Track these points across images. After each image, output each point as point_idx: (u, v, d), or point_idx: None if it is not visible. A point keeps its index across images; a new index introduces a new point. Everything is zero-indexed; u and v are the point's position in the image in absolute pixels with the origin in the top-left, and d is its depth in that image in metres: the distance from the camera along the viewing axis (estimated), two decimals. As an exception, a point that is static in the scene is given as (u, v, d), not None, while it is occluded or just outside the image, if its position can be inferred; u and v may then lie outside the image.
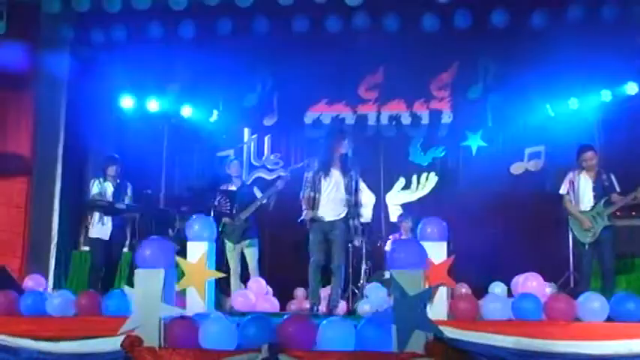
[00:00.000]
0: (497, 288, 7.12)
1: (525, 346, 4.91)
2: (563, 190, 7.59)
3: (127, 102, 9.81)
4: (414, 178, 10.47)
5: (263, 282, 7.71)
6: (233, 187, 8.43)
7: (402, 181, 10.49)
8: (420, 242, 5.28)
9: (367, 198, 10.37)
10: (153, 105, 10.00)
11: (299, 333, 3.86)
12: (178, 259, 5.45)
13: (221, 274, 5.46)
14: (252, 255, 8.32)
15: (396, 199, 10.47)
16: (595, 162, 7.47)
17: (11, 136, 8.62)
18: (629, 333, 4.90)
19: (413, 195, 10.46)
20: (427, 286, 3.88)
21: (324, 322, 3.98)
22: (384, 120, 10.53)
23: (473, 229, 10.00)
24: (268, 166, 10.66)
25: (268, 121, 10.68)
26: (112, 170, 8.04)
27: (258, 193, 8.50)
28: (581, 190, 7.43)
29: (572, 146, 9.32)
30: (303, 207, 7.17)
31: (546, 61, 9.55)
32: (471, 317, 5.23)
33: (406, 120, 10.49)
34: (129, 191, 8.19)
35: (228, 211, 7.89)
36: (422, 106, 10.47)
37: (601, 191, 7.36)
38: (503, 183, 10.11)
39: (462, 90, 10.33)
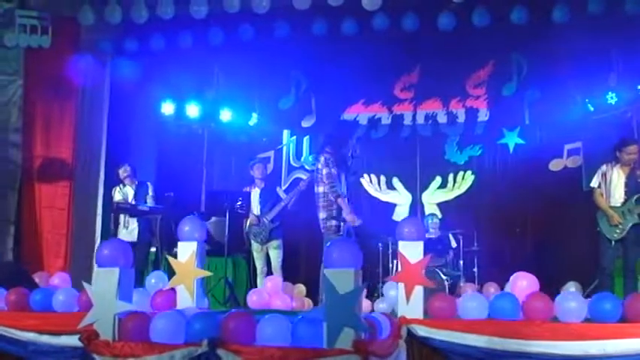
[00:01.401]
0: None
1: (498, 345, 4.94)
2: (594, 183, 7.44)
3: (167, 108, 10.20)
4: (451, 176, 10.47)
5: (279, 280, 7.90)
6: (256, 189, 8.65)
7: (438, 180, 10.50)
8: (400, 242, 5.40)
9: (403, 197, 10.50)
10: (192, 110, 10.36)
11: (238, 328, 4.05)
12: (169, 258, 5.75)
13: (208, 273, 5.68)
14: (276, 256, 8.52)
15: (433, 198, 10.48)
16: (636, 157, 7.29)
17: (54, 143, 9.12)
18: (603, 333, 4.82)
19: (449, 194, 10.46)
20: (359, 286, 3.95)
21: (264, 318, 4.15)
22: (420, 119, 10.57)
23: (510, 227, 9.97)
24: (307, 167, 10.84)
25: (306, 123, 10.90)
26: (123, 172, 8.49)
27: (282, 194, 8.68)
28: (614, 185, 7.26)
29: (611, 141, 9.15)
30: (348, 209, 6.65)
31: (582, 55, 9.37)
32: (448, 316, 5.24)
33: (442, 119, 10.51)
34: (150, 191, 8.59)
35: (243, 212, 8.13)
36: (458, 104, 10.47)
37: (634, 187, 7.16)
38: (542, 180, 9.93)
39: (497, 87, 10.24)
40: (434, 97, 10.53)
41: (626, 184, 7.20)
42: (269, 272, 8.63)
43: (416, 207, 10.50)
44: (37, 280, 7.38)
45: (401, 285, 5.30)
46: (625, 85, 9.35)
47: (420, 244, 5.32)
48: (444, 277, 8.78)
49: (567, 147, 9.99)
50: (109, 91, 9.68)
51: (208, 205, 9.55)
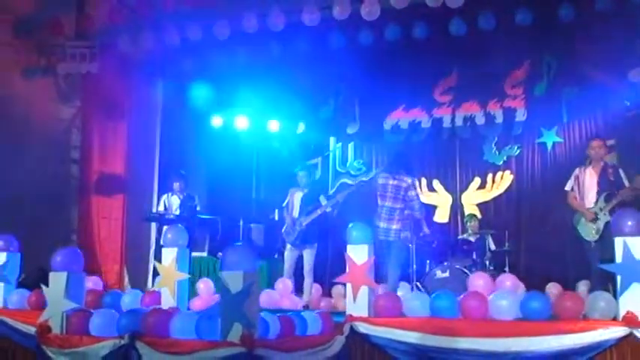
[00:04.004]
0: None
1: (430, 341, 5.22)
2: (568, 187, 7.43)
3: (216, 121, 10.93)
4: (490, 177, 10.52)
5: (289, 282, 8.37)
6: (299, 193, 9.06)
7: (477, 181, 10.59)
8: (348, 245, 5.77)
9: (443, 199, 10.67)
10: (241, 122, 11.03)
11: (155, 324, 4.61)
12: (155, 263, 6.40)
13: (187, 276, 6.25)
14: (307, 260, 8.84)
15: (472, 199, 10.58)
16: (602, 152, 7.27)
17: (110, 160, 10.04)
18: (528, 330, 4.98)
19: (489, 194, 10.53)
20: (247, 286, 4.37)
21: (176, 314, 4.68)
22: (459, 122, 10.70)
23: (550, 226, 9.90)
24: (352, 172, 11.26)
25: (351, 129, 11.29)
26: (176, 186, 9.22)
27: (324, 201, 9.03)
28: (587, 186, 7.26)
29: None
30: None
31: (612, 51, 9.18)
32: (393, 314, 5.55)
33: (480, 120, 10.59)
34: (196, 202, 9.30)
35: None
36: (496, 105, 10.53)
37: (606, 186, 7.14)
38: (581, 178, 9.78)
39: (532, 87, 10.22)
40: (472, 99, 10.63)
41: (598, 184, 7.16)
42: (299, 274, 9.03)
43: (456, 208, 10.64)
44: (90, 283, 8.30)
45: (348, 285, 5.68)
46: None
47: (366, 247, 5.66)
48: (471, 277, 8.89)
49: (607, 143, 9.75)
50: (161, 108, 10.56)
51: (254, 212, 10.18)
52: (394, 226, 7.53)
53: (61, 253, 5.21)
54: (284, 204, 9.12)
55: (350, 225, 5.79)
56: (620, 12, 8.11)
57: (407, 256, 8.03)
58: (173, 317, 4.62)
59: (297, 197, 9.01)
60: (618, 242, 5.02)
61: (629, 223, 4.99)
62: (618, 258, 5.02)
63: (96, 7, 9.46)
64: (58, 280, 5.08)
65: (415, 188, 7.67)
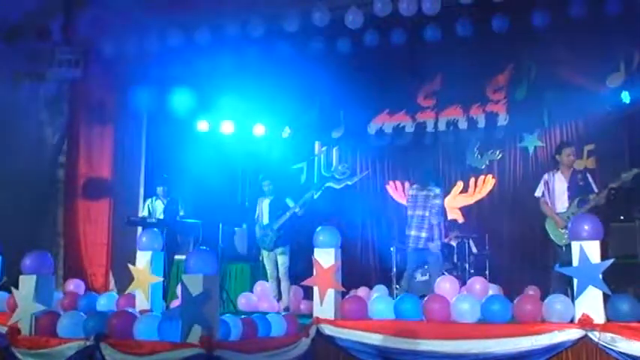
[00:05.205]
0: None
1: (391, 343, 5.34)
2: (538, 193, 7.47)
3: (202, 126, 11.05)
4: (472, 181, 10.62)
5: (268, 285, 8.48)
6: (267, 200, 9.21)
7: (460, 185, 10.69)
8: (315, 248, 5.88)
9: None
10: (227, 127, 11.14)
11: (119, 325, 4.74)
12: (130, 265, 6.51)
13: (160, 279, 6.36)
14: (282, 261, 8.98)
15: (455, 202, 10.67)
16: (573, 160, 7.37)
17: (96, 164, 10.17)
18: (487, 333, 5.09)
19: (471, 198, 10.62)
20: (206, 289, 4.48)
21: (140, 317, 4.80)
22: (442, 126, 10.83)
23: (530, 230, 9.99)
24: (337, 176, 11.35)
25: (336, 134, 11.42)
26: (160, 190, 9.34)
27: (291, 203, 9.15)
28: (557, 192, 7.30)
29: (623, 141, 9.10)
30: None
31: (590, 56, 9.30)
32: (358, 317, 5.65)
33: (463, 125, 10.73)
34: (180, 206, 9.40)
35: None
36: (478, 109, 10.67)
37: (576, 191, 7.19)
38: (562, 182, 9.87)
39: (513, 92, 10.33)
40: (455, 104, 10.76)
41: (569, 189, 7.21)
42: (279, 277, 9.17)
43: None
44: (71, 286, 8.44)
45: (315, 288, 5.78)
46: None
47: (332, 251, 5.76)
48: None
49: (587, 148, 9.92)
50: (147, 112, 10.67)
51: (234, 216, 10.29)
52: (423, 234, 8.03)
53: (30, 257, 5.33)
54: (256, 215, 9.24)
55: (318, 229, 5.89)
56: (596, 18, 8.22)
57: (442, 261, 8.44)
58: (137, 319, 4.74)
59: (264, 205, 9.16)
60: (575, 246, 5.14)
61: (586, 227, 5.11)
62: (575, 262, 5.13)
63: (82, 13, 9.58)
64: (27, 283, 5.20)
65: (441, 198, 8.22)
